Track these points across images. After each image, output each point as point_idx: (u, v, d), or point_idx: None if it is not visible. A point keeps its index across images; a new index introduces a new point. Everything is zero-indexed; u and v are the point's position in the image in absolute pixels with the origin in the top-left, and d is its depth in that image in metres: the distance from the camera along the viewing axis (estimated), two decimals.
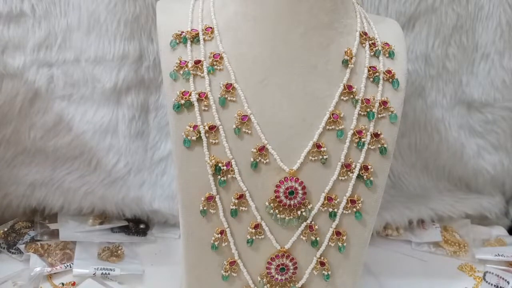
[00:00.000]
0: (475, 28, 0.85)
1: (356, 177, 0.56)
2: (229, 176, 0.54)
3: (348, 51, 0.57)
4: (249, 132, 0.54)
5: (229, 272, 0.56)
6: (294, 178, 0.54)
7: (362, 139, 0.56)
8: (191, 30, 0.57)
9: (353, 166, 0.56)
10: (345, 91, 0.56)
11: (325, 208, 0.56)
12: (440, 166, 0.92)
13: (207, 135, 0.54)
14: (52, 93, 0.79)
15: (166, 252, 0.83)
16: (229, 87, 0.54)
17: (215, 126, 0.54)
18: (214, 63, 0.55)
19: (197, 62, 0.55)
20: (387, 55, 0.60)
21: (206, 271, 0.57)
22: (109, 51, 0.78)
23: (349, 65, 0.57)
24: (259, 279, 0.56)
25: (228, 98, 0.54)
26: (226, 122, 0.54)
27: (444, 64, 0.86)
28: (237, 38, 0.56)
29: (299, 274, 0.57)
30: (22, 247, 0.77)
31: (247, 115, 0.54)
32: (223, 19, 0.57)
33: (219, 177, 0.54)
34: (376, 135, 0.56)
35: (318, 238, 0.56)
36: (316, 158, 0.55)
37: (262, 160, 0.54)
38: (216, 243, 0.55)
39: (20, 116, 0.79)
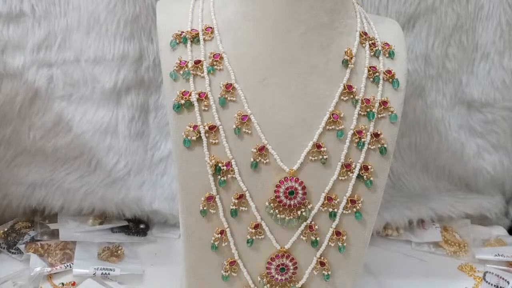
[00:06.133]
0: (475, 28, 0.85)
1: (356, 177, 0.56)
2: (229, 176, 0.54)
3: (348, 51, 0.57)
4: (249, 132, 0.54)
5: (229, 272, 0.56)
6: (294, 178, 0.54)
7: (362, 139, 0.56)
8: (191, 30, 0.57)
9: (353, 166, 0.56)
10: (345, 91, 0.56)
11: (325, 208, 0.56)
12: (440, 166, 0.92)
13: (207, 135, 0.54)
14: (52, 93, 0.79)
15: (166, 252, 0.83)
16: (229, 87, 0.54)
17: (215, 126, 0.54)
18: (214, 63, 0.55)
19: (197, 62, 0.55)
20: (387, 55, 0.60)
21: (206, 271, 0.57)
22: (109, 51, 0.78)
23: (349, 65, 0.57)
24: (259, 279, 0.56)
25: (228, 98, 0.54)
26: (226, 122, 0.54)
27: (444, 64, 0.86)
28: (237, 38, 0.56)
29: (299, 274, 0.57)
30: (22, 247, 0.77)
31: (247, 115, 0.54)
32: (223, 19, 0.57)
33: (219, 177, 0.54)
34: (376, 135, 0.56)
35: (318, 238, 0.56)
36: (316, 158, 0.55)
37: (262, 160, 0.54)
38: (216, 243, 0.55)
39: (20, 116, 0.79)
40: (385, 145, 0.57)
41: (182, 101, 0.54)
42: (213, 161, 0.54)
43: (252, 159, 0.54)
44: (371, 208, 0.57)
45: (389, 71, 0.58)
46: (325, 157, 0.55)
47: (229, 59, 0.55)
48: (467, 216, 0.94)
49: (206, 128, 0.54)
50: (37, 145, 0.81)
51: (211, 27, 0.56)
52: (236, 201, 0.54)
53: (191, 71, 0.55)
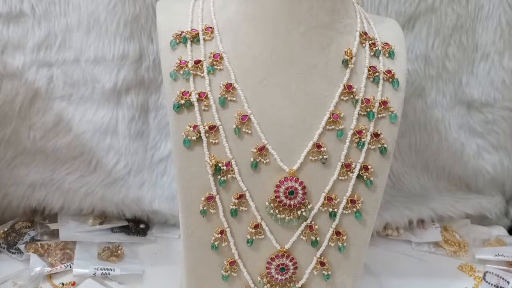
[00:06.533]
0: (475, 28, 0.85)
1: (356, 177, 0.56)
2: (229, 176, 0.54)
3: (348, 51, 0.57)
4: (249, 132, 0.54)
5: (229, 272, 0.56)
6: (294, 178, 0.54)
7: (362, 139, 0.56)
8: (191, 30, 0.56)
9: (353, 166, 0.56)
10: (345, 91, 0.56)
11: (325, 208, 0.56)
12: (440, 166, 0.92)
13: (207, 135, 0.54)
14: (52, 93, 0.79)
15: (166, 252, 0.83)
16: (229, 87, 0.54)
17: (215, 126, 0.54)
18: (214, 63, 0.55)
19: (197, 62, 0.55)
20: (387, 55, 0.60)
21: (206, 271, 0.57)
22: (109, 51, 0.78)
23: (349, 65, 0.57)
24: (259, 279, 0.56)
25: (228, 98, 0.54)
26: (226, 122, 0.54)
27: (444, 64, 0.86)
28: (237, 38, 0.56)
29: (299, 274, 0.57)
30: (22, 247, 0.77)
31: (247, 115, 0.54)
32: (223, 19, 0.57)
33: (219, 177, 0.54)
34: (376, 135, 0.56)
35: (318, 238, 0.56)
36: (316, 158, 0.55)
37: (262, 160, 0.54)
38: (216, 243, 0.55)
39: (20, 116, 0.79)
40: (385, 145, 0.57)
41: (182, 101, 0.54)
42: (213, 161, 0.54)
43: (252, 159, 0.54)
44: (371, 208, 0.57)
45: (389, 71, 0.58)
46: (325, 157, 0.55)
47: (229, 59, 0.55)
48: (467, 216, 0.94)
49: (206, 128, 0.54)
50: (37, 145, 0.81)
51: (211, 27, 0.56)
52: (236, 201, 0.54)
53: (191, 71, 0.55)
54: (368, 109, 0.56)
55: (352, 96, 0.56)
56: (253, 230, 0.55)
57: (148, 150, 0.84)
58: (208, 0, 0.59)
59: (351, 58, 0.57)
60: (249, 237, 0.55)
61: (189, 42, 0.56)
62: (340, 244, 0.57)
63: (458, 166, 0.92)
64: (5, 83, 0.77)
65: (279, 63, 0.55)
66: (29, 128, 0.80)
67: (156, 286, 0.75)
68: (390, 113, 0.57)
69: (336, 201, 0.56)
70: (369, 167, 0.56)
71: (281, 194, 0.54)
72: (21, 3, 0.75)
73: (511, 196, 0.98)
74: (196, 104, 0.54)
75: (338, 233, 0.56)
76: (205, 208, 0.54)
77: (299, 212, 0.55)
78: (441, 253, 0.87)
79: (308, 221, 0.56)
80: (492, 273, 0.80)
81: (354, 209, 0.56)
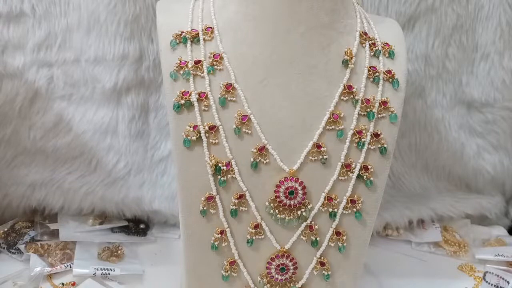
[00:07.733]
0: (475, 28, 0.85)
1: (356, 177, 0.56)
2: (229, 176, 0.54)
3: (348, 51, 0.57)
4: (249, 132, 0.54)
5: (229, 272, 0.56)
6: (294, 178, 0.54)
7: (362, 139, 0.56)
8: (191, 30, 0.57)
9: (353, 166, 0.56)
10: (345, 91, 0.56)
11: (325, 208, 0.56)
12: (440, 166, 0.92)
13: (207, 135, 0.54)
14: (52, 93, 0.79)
15: (166, 252, 0.83)
16: (229, 87, 0.54)
17: (215, 126, 0.54)
18: (214, 63, 0.55)
19: (197, 62, 0.55)
20: (387, 55, 0.60)
21: (206, 271, 0.57)
22: (109, 51, 0.78)
23: (349, 65, 0.57)
24: (259, 279, 0.56)
25: (228, 98, 0.54)
26: (226, 122, 0.54)
27: (444, 64, 0.86)
28: (237, 38, 0.56)
29: (299, 274, 0.57)
30: (22, 247, 0.77)
31: (247, 115, 0.54)
32: (223, 19, 0.57)
33: (219, 177, 0.54)
34: (376, 135, 0.56)
35: (318, 238, 0.56)
36: (316, 158, 0.55)
37: (262, 160, 0.54)
38: (216, 243, 0.55)
39: (20, 116, 0.79)
40: (385, 145, 0.57)
41: (182, 101, 0.54)
42: (213, 161, 0.54)
43: (252, 159, 0.54)
44: (371, 208, 0.57)
45: (389, 71, 0.58)
46: (325, 157, 0.55)
47: (229, 59, 0.55)
48: (467, 216, 0.94)
49: (206, 128, 0.54)
50: (37, 145, 0.81)
51: (211, 27, 0.57)
52: (236, 201, 0.54)
53: (191, 71, 0.55)
54: (368, 109, 0.56)
55: (352, 96, 0.56)
56: (253, 230, 0.55)
57: (148, 150, 0.84)
58: (208, 0, 0.59)
59: (351, 58, 0.57)
60: (249, 237, 0.55)
61: (189, 42, 0.56)
62: (340, 244, 0.57)
63: (458, 166, 0.92)
64: (5, 83, 0.77)
65: (279, 63, 0.55)
66: (29, 128, 0.80)
67: (156, 286, 0.75)
68: (390, 113, 0.57)
69: (336, 201, 0.56)
70: (369, 167, 0.56)
71: (281, 194, 0.54)
72: (21, 3, 0.75)
73: (511, 196, 0.98)
74: (196, 104, 0.54)
75: (338, 233, 0.56)
76: (205, 208, 0.54)
77: (299, 212, 0.55)
78: (441, 253, 0.87)
79: (308, 221, 0.56)
80: (492, 273, 0.80)
81: (354, 209, 0.56)
